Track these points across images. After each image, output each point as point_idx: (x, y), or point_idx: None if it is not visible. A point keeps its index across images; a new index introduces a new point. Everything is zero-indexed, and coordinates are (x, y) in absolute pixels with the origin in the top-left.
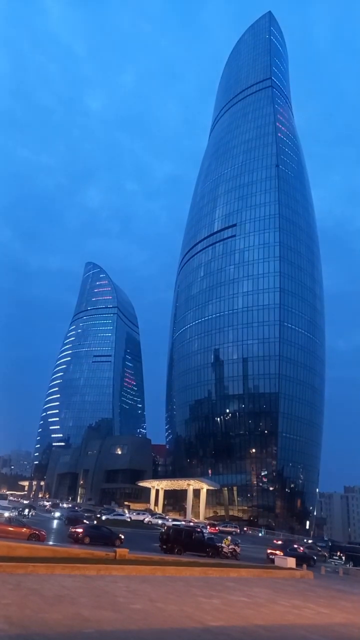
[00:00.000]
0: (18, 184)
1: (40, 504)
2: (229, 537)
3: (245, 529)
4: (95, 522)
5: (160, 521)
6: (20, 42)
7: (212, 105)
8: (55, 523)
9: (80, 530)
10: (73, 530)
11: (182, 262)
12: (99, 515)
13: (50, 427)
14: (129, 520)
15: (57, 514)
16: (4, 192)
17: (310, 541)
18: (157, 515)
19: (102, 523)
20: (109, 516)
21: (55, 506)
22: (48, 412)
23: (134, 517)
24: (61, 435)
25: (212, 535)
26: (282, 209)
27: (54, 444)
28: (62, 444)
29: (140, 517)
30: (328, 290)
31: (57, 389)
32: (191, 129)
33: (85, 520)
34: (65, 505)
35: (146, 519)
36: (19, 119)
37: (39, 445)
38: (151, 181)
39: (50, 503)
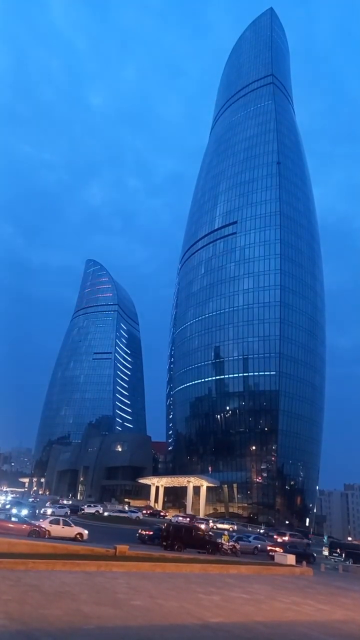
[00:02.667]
0: (19, 180)
1: None
2: (227, 533)
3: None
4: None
5: (105, 513)
6: (22, 37)
7: (215, 101)
8: None
9: (150, 532)
10: (143, 532)
11: (182, 259)
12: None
13: (51, 424)
14: (68, 512)
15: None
16: (6, 188)
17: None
18: (117, 509)
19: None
20: (53, 509)
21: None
22: (48, 409)
23: (87, 509)
24: (61, 432)
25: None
26: (283, 206)
27: (54, 441)
28: (63, 441)
29: (92, 510)
30: (329, 287)
31: (57, 386)
32: (194, 125)
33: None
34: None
35: (98, 511)
36: (20, 115)
37: (39, 442)
38: (153, 178)
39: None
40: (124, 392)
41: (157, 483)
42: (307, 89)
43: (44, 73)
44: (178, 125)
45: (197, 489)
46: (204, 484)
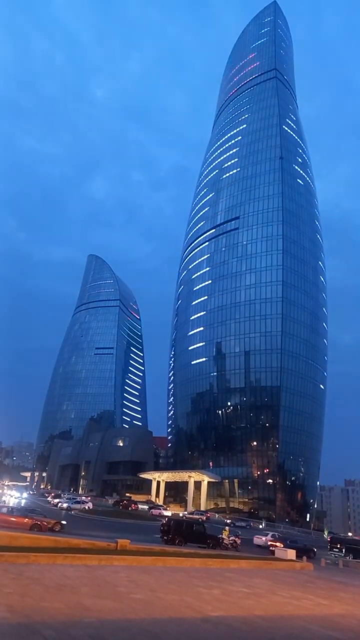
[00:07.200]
0: (23, 174)
1: None
2: (227, 528)
3: (208, 514)
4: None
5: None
6: (26, 29)
7: (218, 95)
8: None
9: None
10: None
11: (185, 255)
12: None
13: (52, 419)
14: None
15: None
16: (9, 182)
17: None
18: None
19: None
20: None
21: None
22: (50, 404)
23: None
24: (63, 426)
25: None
26: (285, 201)
27: (55, 435)
28: (64, 435)
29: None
30: (333, 283)
31: (59, 381)
32: (198, 117)
33: None
34: None
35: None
36: (23, 108)
37: (41, 437)
38: (157, 172)
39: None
40: (125, 387)
41: (159, 478)
42: (312, 82)
43: (48, 65)
44: (182, 118)
45: (198, 484)
46: (205, 479)
